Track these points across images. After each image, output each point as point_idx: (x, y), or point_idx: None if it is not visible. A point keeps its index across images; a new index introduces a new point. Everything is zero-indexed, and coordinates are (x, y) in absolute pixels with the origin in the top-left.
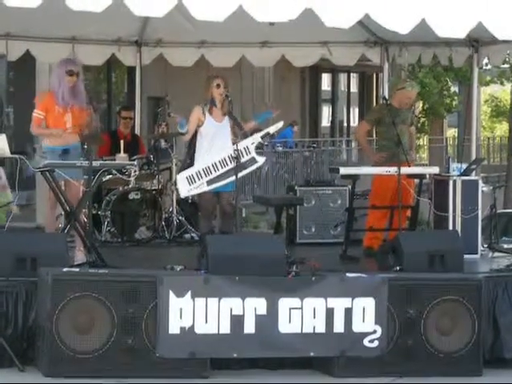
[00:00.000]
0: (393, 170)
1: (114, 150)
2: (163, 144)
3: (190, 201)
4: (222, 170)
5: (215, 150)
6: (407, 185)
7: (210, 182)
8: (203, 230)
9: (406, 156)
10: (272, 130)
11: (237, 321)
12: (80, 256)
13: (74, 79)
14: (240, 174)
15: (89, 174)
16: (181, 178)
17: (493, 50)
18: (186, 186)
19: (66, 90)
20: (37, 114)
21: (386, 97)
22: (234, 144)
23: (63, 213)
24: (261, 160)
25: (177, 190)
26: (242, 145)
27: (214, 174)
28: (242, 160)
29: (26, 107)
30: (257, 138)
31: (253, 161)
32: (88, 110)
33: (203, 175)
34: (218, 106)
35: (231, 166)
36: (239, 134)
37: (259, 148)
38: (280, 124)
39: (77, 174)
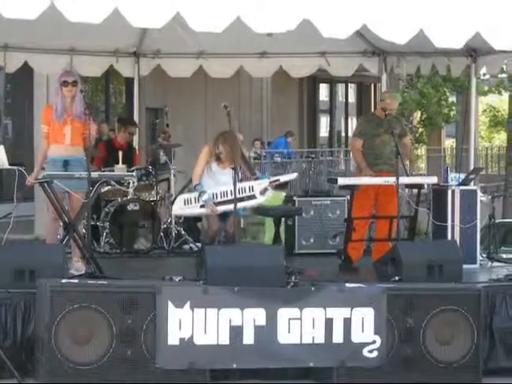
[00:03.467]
0: (391, 180)
1: (112, 160)
2: (162, 155)
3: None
4: (219, 199)
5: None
6: (390, 195)
7: (202, 206)
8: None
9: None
10: (283, 178)
11: (236, 331)
12: (77, 266)
13: (69, 89)
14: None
15: (87, 185)
16: (179, 199)
17: (490, 60)
18: (181, 205)
19: (60, 103)
20: (42, 128)
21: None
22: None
23: (61, 224)
24: (260, 198)
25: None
26: (248, 184)
27: (215, 211)
28: (242, 195)
29: (24, 119)
30: (265, 182)
31: (252, 197)
32: (86, 122)
33: (200, 201)
34: (221, 159)
35: (230, 197)
36: (251, 179)
37: (257, 159)
38: (293, 175)
39: (80, 186)
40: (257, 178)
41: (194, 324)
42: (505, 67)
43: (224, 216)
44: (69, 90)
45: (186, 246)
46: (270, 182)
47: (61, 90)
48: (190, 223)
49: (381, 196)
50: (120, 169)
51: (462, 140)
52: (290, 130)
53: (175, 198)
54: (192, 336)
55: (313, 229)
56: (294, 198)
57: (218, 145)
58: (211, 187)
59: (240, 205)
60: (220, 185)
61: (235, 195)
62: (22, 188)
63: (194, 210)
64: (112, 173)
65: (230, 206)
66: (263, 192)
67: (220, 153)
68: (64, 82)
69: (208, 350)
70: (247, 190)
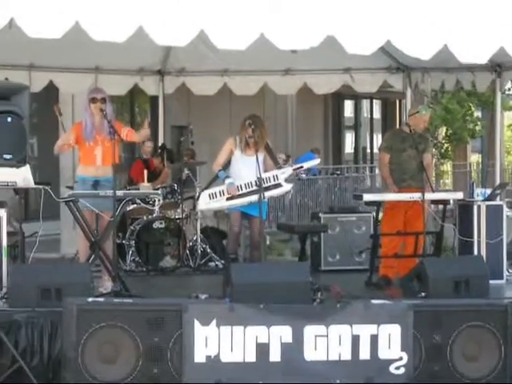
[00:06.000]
0: (416, 196)
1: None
2: (186, 173)
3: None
4: (243, 191)
5: (241, 180)
6: (418, 211)
7: (229, 199)
8: (230, 251)
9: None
10: (306, 165)
11: (262, 349)
12: (107, 285)
13: (98, 106)
14: (263, 196)
15: (113, 203)
16: (204, 194)
17: None
18: (207, 200)
19: (90, 120)
20: (66, 135)
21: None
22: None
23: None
24: (286, 186)
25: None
26: (271, 173)
27: (236, 193)
28: (268, 184)
29: (49, 138)
30: (289, 169)
31: (278, 185)
32: (112, 140)
33: (225, 193)
34: (249, 144)
35: (254, 188)
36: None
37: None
38: (317, 161)
39: (108, 205)
40: (280, 167)
41: (221, 341)
42: None
43: (249, 219)
44: (97, 107)
45: (212, 264)
46: (294, 170)
47: (89, 107)
48: (216, 241)
49: (410, 211)
50: (145, 187)
51: (487, 155)
52: (316, 147)
53: (199, 194)
54: (218, 354)
55: (339, 245)
56: (320, 215)
57: (247, 129)
58: (235, 176)
59: (267, 194)
60: (242, 172)
61: (260, 183)
62: (47, 207)
63: (220, 203)
64: (137, 191)
65: (256, 197)
66: (288, 180)
67: (249, 137)
68: (93, 99)
69: (234, 368)
70: (272, 179)
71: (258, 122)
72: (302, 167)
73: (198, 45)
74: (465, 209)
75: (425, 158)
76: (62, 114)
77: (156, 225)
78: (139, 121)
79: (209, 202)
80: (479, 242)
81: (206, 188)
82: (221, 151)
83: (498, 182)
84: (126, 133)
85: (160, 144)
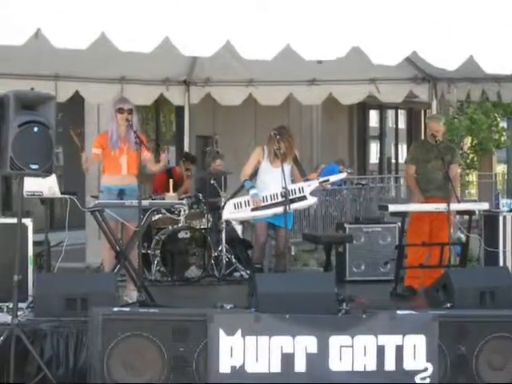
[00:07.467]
0: (442, 206)
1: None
2: (212, 183)
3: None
4: (269, 202)
5: (268, 191)
6: (443, 221)
7: (254, 210)
8: (255, 261)
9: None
10: (333, 178)
11: (287, 359)
12: (132, 295)
13: (125, 117)
14: (288, 207)
15: (139, 213)
16: (229, 203)
17: None
18: (231, 209)
19: (116, 130)
20: (94, 150)
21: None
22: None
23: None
24: (310, 199)
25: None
26: (298, 185)
27: (260, 204)
28: (293, 196)
29: (75, 148)
30: (315, 182)
31: (302, 198)
32: (138, 151)
33: (250, 204)
34: (278, 156)
35: (279, 200)
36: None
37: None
38: (343, 175)
39: (134, 215)
40: (306, 180)
41: (246, 352)
42: None
43: (275, 230)
44: (124, 117)
45: (237, 274)
46: (320, 183)
47: (116, 117)
48: (241, 251)
49: (435, 222)
50: (171, 197)
51: None
52: (341, 159)
53: (225, 204)
54: (243, 364)
55: (364, 256)
56: (345, 225)
57: (275, 141)
58: (259, 187)
59: (291, 206)
60: (269, 183)
61: (286, 194)
62: (73, 216)
63: (245, 213)
64: (163, 201)
65: (280, 209)
66: (313, 193)
67: (278, 149)
68: (120, 110)
69: (259, 378)
70: (297, 191)
71: (285, 133)
72: (328, 180)
73: (224, 55)
74: (490, 219)
75: (451, 169)
76: (79, 134)
77: (181, 235)
78: (164, 131)
79: (233, 211)
80: (505, 253)
81: (232, 197)
82: (248, 161)
83: None
84: (145, 156)
85: (184, 153)
